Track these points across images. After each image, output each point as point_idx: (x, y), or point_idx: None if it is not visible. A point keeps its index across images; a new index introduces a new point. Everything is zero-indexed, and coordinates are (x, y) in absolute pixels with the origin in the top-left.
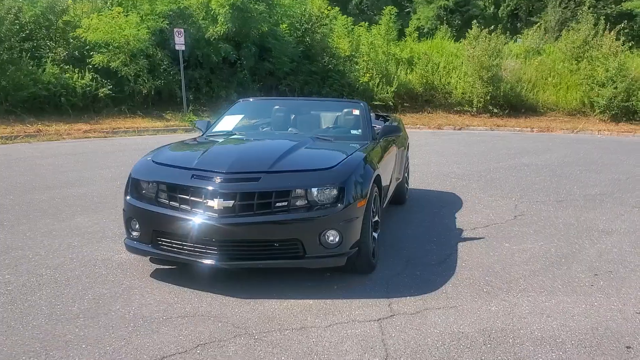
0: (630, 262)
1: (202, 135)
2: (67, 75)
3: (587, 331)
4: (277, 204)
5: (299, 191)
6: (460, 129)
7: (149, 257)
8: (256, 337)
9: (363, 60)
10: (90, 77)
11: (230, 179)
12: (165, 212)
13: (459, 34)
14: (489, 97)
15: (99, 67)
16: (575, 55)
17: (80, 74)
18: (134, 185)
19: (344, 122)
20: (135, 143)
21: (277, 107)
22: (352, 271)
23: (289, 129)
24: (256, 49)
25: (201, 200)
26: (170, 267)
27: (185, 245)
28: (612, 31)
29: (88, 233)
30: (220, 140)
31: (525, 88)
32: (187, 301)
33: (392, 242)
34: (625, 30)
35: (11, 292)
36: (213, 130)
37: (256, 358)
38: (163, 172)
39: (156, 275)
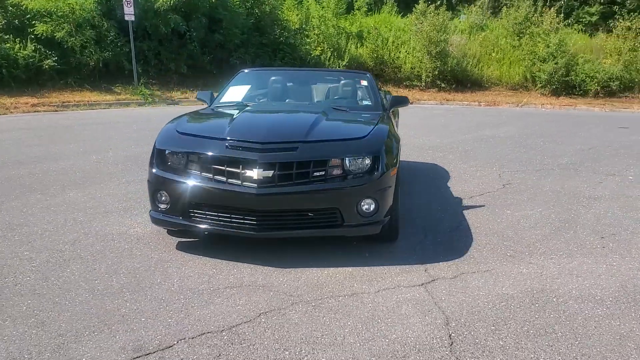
0: (627, 225)
1: (208, 107)
2: (7, 45)
3: (618, 289)
4: (314, 174)
5: (335, 160)
6: (412, 103)
7: (176, 229)
8: (313, 304)
9: (314, 34)
10: (33, 47)
11: (268, 149)
12: (200, 183)
13: (407, 9)
14: (437, 72)
15: (42, 38)
16: (517, 31)
17: (21, 45)
18: (159, 157)
19: (353, 92)
20: (92, 117)
21: (284, 78)
22: (377, 239)
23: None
24: (206, 20)
25: (239, 171)
26: (192, 239)
27: (222, 216)
28: (552, 8)
29: (89, 208)
30: (240, 111)
31: (470, 63)
32: (227, 272)
33: (403, 212)
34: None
35: (39, 269)
36: (221, 101)
37: (322, 324)
38: (192, 143)
39: (183, 248)
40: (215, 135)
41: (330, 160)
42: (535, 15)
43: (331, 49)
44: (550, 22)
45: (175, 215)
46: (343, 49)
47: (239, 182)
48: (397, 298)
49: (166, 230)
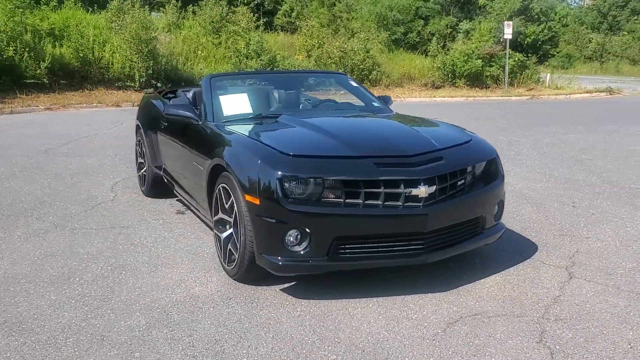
0: None
1: (212, 122)
2: None
3: None
4: (459, 183)
5: (469, 167)
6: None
7: (319, 272)
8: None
9: (1, 32)
10: None
11: (421, 162)
12: (352, 213)
13: (91, 4)
14: (151, 72)
15: None
16: (215, 29)
17: None
18: (282, 187)
19: (361, 93)
20: None
21: (275, 82)
22: None
23: (300, 105)
24: None
25: (400, 191)
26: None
27: (381, 246)
28: (246, 7)
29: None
30: (292, 123)
31: (179, 62)
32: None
33: None
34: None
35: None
36: (226, 115)
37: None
38: (323, 166)
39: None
40: (345, 154)
41: (468, 167)
42: (229, 14)
43: (27, 49)
44: (247, 22)
45: (319, 257)
46: (39, 49)
47: (399, 203)
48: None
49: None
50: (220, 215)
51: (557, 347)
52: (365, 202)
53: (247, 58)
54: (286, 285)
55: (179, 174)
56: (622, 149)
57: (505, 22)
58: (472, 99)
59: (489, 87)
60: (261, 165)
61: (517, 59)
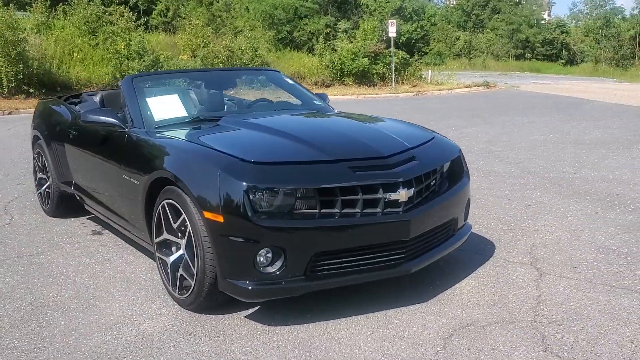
0: None
1: (142, 128)
2: None
3: None
4: (432, 183)
5: (439, 167)
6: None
7: (295, 295)
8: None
9: None
10: None
11: (397, 163)
12: (332, 224)
13: None
14: (21, 76)
15: None
16: (91, 29)
17: None
18: (248, 200)
19: (299, 92)
20: None
21: (205, 81)
22: None
23: (225, 107)
24: None
25: (379, 196)
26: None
27: (362, 259)
28: (123, 6)
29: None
30: (238, 126)
31: (52, 65)
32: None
33: None
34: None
35: None
36: (158, 119)
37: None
38: (293, 174)
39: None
40: (316, 158)
41: (438, 167)
42: (106, 15)
43: None
44: (126, 21)
45: (296, 277)
46: None
47: (378, 210)
48: None
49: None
50: (166, 236)
51: (565, 353)
52: (342, 211)
53: (128, 59)
54: (249, 311)
55: (97, 190)
56: (524, 139)
57: (389, 21)
58: (363, 97)
59: (376, 85)
60: (222, 177)
61: (400, 56)
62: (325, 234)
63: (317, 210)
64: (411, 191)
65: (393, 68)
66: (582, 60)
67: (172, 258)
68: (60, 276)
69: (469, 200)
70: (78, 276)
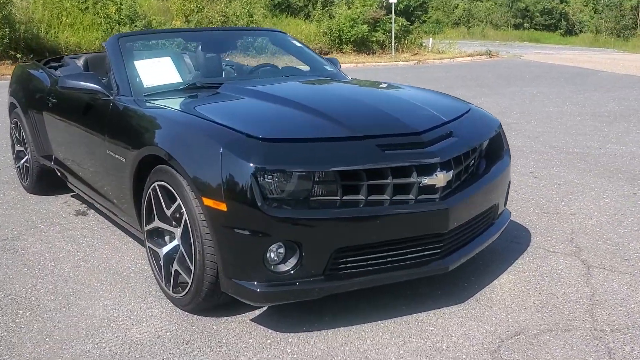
0: None
1: (130, 96)
2: None
3: None
4: (472, 163)
5: (479, 145)
6: None
7: (312, 298)
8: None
9: None
10: None
11: (433, 140)
12: (358, 214)
13: None
14: (7, 41)
15: None
16: None
17: None
18: (259, 184)
19: (309, 56)
20: None
21: (202, 41)
22: None
23: (223, 73)
24: None
25: (413, 181)
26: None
27: (392, 255)
28: None
29: None
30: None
31: (40, 29)
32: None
33: None
34: None
35: None
36: (148, 86)
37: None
38: (312, 152)
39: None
40: (337, 134)
41: (479, 144)
42: None
43: None
44: None
45: (314, 277)
46: None
47: (411, 197)
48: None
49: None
50: (157, 223)
51: None
52: (369, 198)
53: (119, 24)
54: (256, 313)
55: (79, 167)
56: (538, 110)
57: None
58: (362, 65)
59: (375, 53)
60: (225, 155)
61: (401, 24)
62: (349, 226)
63: (338, 198)
64: (450, 174)
65: (393, 35)
66: (580, 31)
67: (165, 249)
68: (36, 266)
69: (509, 183)
70: (57, 266)
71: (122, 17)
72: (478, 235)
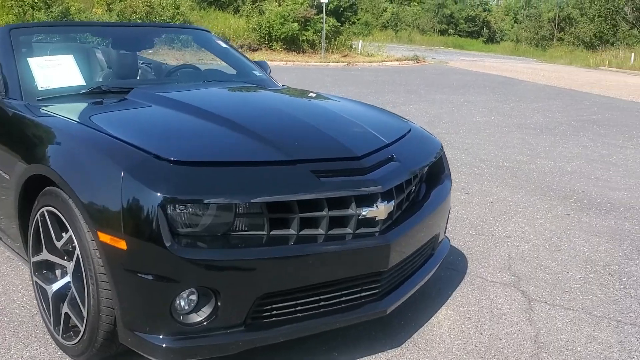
0: None
1: (21, 101)
2: None
3: None
4: (413, 190)
5: (420, 169)
6: None
7: (227, 354)
8: None
9: None
10: None
11: (373, 166)
12: (288, 253)
13: None
14: None
15: None
16: None
17: None
18: (168, 219)
19: (235, 59)
20: None
21: (111, 37)
22: None
23: (139, 73)
24: None
25: (351, 213)
26: None
27: (325, 299)
28: None
29: None
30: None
31: None
32: None
33: None
34: None
35: None
36: (43, 88)
37: None
38: (235, 179)
39: None
40: (266, 157)
41: (420, 169)
42: None
43: None
44: None
45: (232, 328)
46: None
47: (349, 231)
48: None
49: None
50: (46, 256)
51: None
52: (301, 233)
53: (33, 9)
54: None
55: None
56: (466, 120)
57: None
58: (292, 64)
59: (305, 52)
60: (127, 181)
61: (331, 24)
62: (278, 267)
63: (265, 233)
64: (391, 205)
65: (324, 35)
66: (501, 39)
67: (55, 286)
68: None
69: (449, 209)
70: None
71: (36, 0)
72: (417, 269)
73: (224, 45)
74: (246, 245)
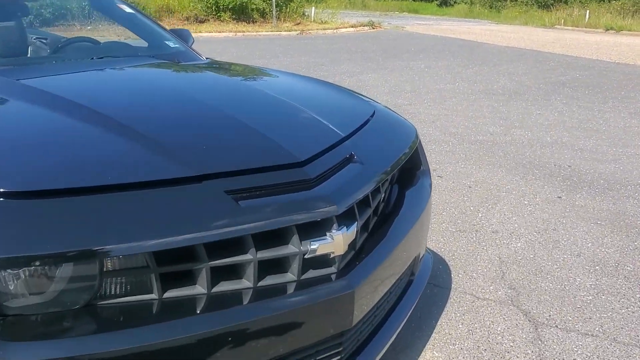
0: None
1: None
2: None
3: None
4: (383, 198)
5: (389, 170)
6: None
7: None
8: None
9: None
10: None
11: (324, 175)
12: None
13: None
14: None
15: None
16: None
17: None
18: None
19: (143, 26)
20: None
21: None
22: None
23: (29, 48)
24: None
25: (292, 251)
26: None
27: None
28: None
29: None
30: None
31: None
32: None
33: None
34: None
35: None
36: None
37: None
38: (108, 215)
39: None
40: (153, 174)
41: (389, 170)
42: None
43: None
44: None
45: None
46: None
47: (291, 278)
48: None
49: None
50: None
51: None
52: (213, 291)
53: None
54: None
55: None
56: (429, 88)
57: None
58: (242, 34)
59: (256, 22)
60: None
61: None
62: (175, 353)
63: (156, 297)
64: (353, 230)
65: (274, 3)
66: (455, 2)
67: None
68: None
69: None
70: None
71: None
72: (394, 307)
73: (128, 10)
74: (124, 321)
